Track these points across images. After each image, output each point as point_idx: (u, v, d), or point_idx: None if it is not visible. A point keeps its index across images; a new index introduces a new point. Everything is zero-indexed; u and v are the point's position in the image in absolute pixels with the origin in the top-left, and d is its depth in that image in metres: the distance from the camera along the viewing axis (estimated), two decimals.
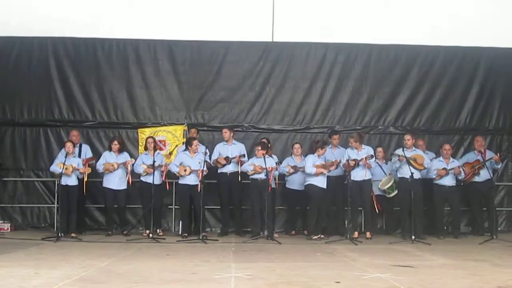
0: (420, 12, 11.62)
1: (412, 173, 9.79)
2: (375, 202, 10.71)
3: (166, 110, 11.93)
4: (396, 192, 10.57)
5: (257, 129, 11.96)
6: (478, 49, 12.21)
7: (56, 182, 10.54)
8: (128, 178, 10.44)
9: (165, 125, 11.69)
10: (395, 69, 12.18)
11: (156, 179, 10.22)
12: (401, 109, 12.13)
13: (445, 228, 10.91)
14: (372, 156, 10.17)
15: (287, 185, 10.97)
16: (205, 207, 10.50)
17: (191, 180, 10.15)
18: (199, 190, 9.91)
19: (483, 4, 11.48)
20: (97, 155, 11.15)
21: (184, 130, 11.45)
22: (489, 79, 12.24)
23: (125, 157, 10.58)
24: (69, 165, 9.98)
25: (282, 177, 10.94)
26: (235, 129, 11.52)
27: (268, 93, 12.06)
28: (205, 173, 10.06)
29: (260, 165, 10.05)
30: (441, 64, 12.20)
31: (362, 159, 10.10)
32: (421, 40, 11.97)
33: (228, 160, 10.61)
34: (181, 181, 10.31)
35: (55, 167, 10.16)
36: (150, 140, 10.63)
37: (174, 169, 10.25)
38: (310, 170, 10.00)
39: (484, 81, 12.23)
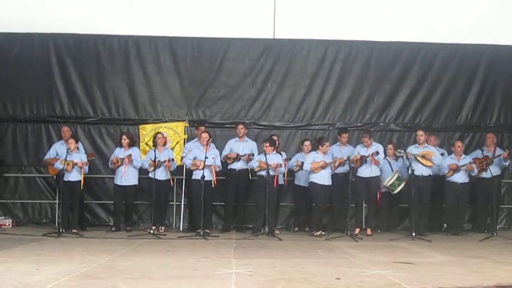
0: (421, 10, 11.67)
1: (413, 170, 9.80)
2: (378, 198, 10.73)
3: (167, 106, 11.94)
4: (399, 189, 10.52)
5: (258, 125, 11.96)
6: (479, 46, 12.19)
7: (57, 177, 10.54)
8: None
9: (166, 121, 11.68)
10: (396, 66, 12.16)
11: (162, 175, 10.27)
12: (402, 106, 12.13)
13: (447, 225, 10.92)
14: (377, 153, 10.17)
15: (295, 182, 11.01)
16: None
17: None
18: (212, 186, 9.90)
19: (484, 2, 11.50)
20: (98, 151, 11.18)
21: (185, 126, 11.43)
22: (490, 76, 12.23)
23: (133, 152, 10.57)
24: (70, 161, 9.98)
25: (292, 173, 10.95)
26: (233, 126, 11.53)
27: (269, 90, 12.06)
28: (218, 169, 10.08)
29: (265, 161, 10.03)
30: (441, 62, 12.18)
31: (369, 155, 10.12)
32: (422, 38, 11.97)
33: (237, 156, 10.62)
34: (194, 177, 10.27)
35: (58, 164, 10.13)
36: (160, 135, 10.64)
37: (188, 162, 10.22)
38: (306, 167, 10.09)
39: (484, 79, 12.22)
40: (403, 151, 10.14)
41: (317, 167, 10.04)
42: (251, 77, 12.05)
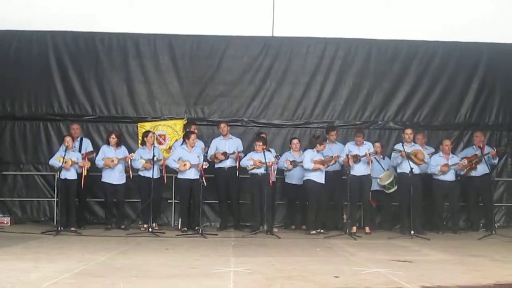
0: (420, 8, 11.66)
1: (411, 168, 9.80)
2: (369, 197, 10.73)
3: (166, 104, 11.93)
4: (395, 187, 10.58)
5: (257, 123, 11.95)
6: (478, 44, 12.20)
7: (56, 176, 10.56)
8: (129, 172, 10.46)
9: (165, 119, 11.68)
10: (395, 64, 12.16)
11: (155, 173, 10.27)
12: (401, 104, 12.13)
13: (445, 223, 10.93)
14: (376, 153, 10.19)
15: (286, 180, 10.98)
16: (204, 201, 10.55)
17: (191, 174, 10.16)
18: (202, 184, 9.80)
19: (483, 0, 11.49)
20: (96, 149, 11.16)
21: (184, 124, 11.43)
22: (489, 75, 12.23)
23: (123, 151, 10.60)
24: (68, 159, 9.98)
25: (280, 171, 10.95)
26: (235, 123, 11.58)
27: (268, 87, 12.05)
28: (205, 166, 10.10)
29: (259, 159, 10.05)
30: (440, 60, 12.18)
31: (365, 154, 10.11)
32: (421, 36, 11.98)
33: (226, 155, 10.63)
34: (180, 176, 10.32)
35: (55, 161, 10.16)
36: (151, 134, 10.63)
37: (173, 165, 10.26)
38: (308, 165, 10.04)
39: (483, 77, 12.22)
40: (399, 149, 10.12)
41: (318, 165, 10.03)
42: (250, 75, 12.04)
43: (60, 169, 9.87)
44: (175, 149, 10.66)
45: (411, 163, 9.95)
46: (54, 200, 11.30)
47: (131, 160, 10.41)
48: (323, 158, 10.17)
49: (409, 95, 12.14)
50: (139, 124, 11.58)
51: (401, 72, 12.16)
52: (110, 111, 11.86)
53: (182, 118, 11.61)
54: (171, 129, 11.41)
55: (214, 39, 12.01)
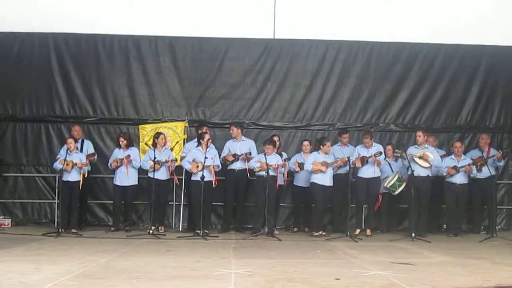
0: (421, 10, 11.63)
1: (413, 170, 9.80)
2: (379, 201, 10.68)
3: (167, 106, 11.94)
4: (400, 189, 10.53)
5: (258, 125, 11.96)
6: (479, 47, 12.18)
7: (57, 178, 10.56)
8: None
9: (166, 121, 11.67)
10: (396, 66, 12.16)
11: (163, 175, 10.27)
12: (402, 107, 12.12)
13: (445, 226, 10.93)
14: (380, 153, 10.18)
15: (294, 182, 11.00)
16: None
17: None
18: (213, 186, 9.87)
19: (485, 2, 11.49)
20: (97, 150, 11.17)
21: (185, 126, 11.43)
22: (490, 77, 12.22)
23: (132, 152, 10.60)
24: (69, 160, 9.99)
25: (291, 173, 10.95)
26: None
27: (269, 90, 12.05)
28: (217, 169, 10.08)
29: (265, 162, 10.02)
30: (442, 62, 12.17)
31: (371, 156, 10.10)
32: (422, 38, 11.96)
33: (235, 157, 10.62)
34: (193, 177, 10.27)
35: (57, 164, 10.18)
36: (162, 136, 10.65)
37: (187, 166, 10.20)
38: (307, 167, 10.09)
39: (485, 79, 12.21)
40: (400, 151, 10.14)
41: (319, 167, 10.03)
42: (251, 77, 12.04)
43: (61, 171, 9.88)
44: (190, 151, 10.61)
45: (417, 165, 9.98)
46: (55, 202, 11.31)
47: (131, 160, 10.45)
48: (327, 161, 10.14)
49: (410, 97, 12.14)
50: (140, 126, 11.57)
51: (402, 74, 12.16)
52: (111, 113, 11.87)
53: (183, 120, 11.60)
54: (172, 131, 11.39)
55: (216, 41, 12.02)
